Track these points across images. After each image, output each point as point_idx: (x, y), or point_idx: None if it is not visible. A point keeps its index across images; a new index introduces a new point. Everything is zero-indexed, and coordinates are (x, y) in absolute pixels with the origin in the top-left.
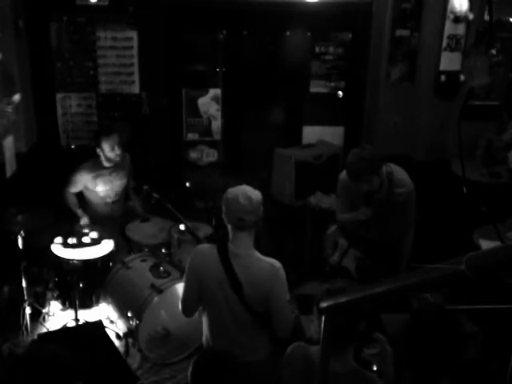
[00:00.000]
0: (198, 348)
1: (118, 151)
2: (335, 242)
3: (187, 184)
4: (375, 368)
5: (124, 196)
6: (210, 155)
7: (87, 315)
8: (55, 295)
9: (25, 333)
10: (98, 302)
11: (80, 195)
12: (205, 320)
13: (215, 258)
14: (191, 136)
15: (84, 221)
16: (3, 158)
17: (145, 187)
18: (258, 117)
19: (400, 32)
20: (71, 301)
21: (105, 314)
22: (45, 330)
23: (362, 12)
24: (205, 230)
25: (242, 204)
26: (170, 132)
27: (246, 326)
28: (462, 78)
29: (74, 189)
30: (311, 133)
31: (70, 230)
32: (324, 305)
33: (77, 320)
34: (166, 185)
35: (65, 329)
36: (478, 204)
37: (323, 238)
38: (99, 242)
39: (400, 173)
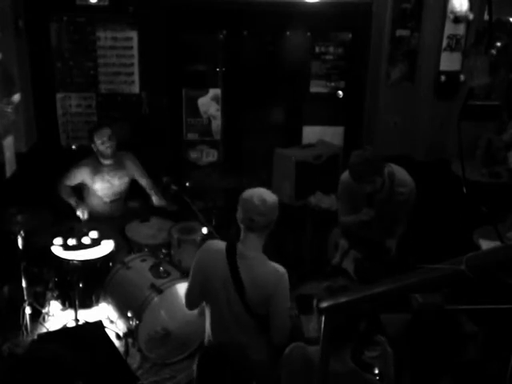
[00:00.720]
0: (198, 348)
1: (108, 143)
2: (336, 242)
3: (187, 184)
4: (377, 371)
5: (125, 196)
6: (209, 155)
7: (87, 315)
8: (55, 295)
9: (25, 333)
10: (97, 302)
11: (78, 193)
12: (207, 317)
13: (222, 256)
14: (191, 136)
15: (81, 211)
16: (3, 158)
17: (165, 178)
18: (257, 117)
19: (400, 32)
20: (71, 301)
21: (105, 314)
22: (45, 330)
23: (361, 12)
24: (205, 230)
25: (256, 205)
26: (169, 132)
27: (247, 327)
28: (462, 77)
29: (70, 182)
30: (311, 133)
31: (70, 230)
32: (324, 305)
33: (77, 320)
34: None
35: (65, 329)
36: (478, 204)
37: (323, 238)
38: (99, 243)
39: (401, 173)
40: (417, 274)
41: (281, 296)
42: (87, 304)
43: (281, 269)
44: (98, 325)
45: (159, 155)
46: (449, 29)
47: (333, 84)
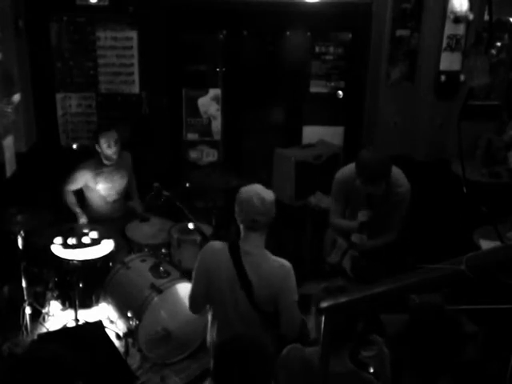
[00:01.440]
0: (198, 348)
1: (114, 148)
2: (333, 240)
3: (187, 184)
4: (372, 370)
5: (124, 195)
6: (209, 155)
7: (87, 315)
8: (55, 295)
9: (25, 333)
10: (97, 302)
11: (80, 194)
12: (210, 317)
13: (226, 256)
14: (191, 136)
15: (82, 220)
16: (3, 158)
17: (155, 184)
18: (258, 117)
19: (400, 32)
20: (71, 301)
21: (105, 314)
22: (45, 330)
23: (361, 12)
24: (205, 230)
25: (256, 206)
26: (170, 132)
27: (252, 325)
28: (462, 77)
29: (74, 186)
30: (311, 133)
31: (70, 229)
32: (324, 305)
33: (77, 320)
34: (166, 185)
35: (65, 329)
36: (478, 204)
37: (323, 237)
38: (99, 242)
39: (397, 173)
40: (417, 274)
41: (289, 290)
42: (87, 304)
43: (286, 263)
44: (98, 325)
45: (159, 155)
46: (449, 29)
47: (333, 84)
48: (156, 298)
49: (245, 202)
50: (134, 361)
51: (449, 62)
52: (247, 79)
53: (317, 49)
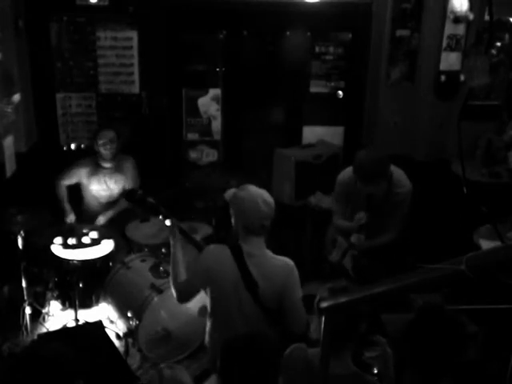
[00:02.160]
0: (198, 348)
1: (109, 148)
2: (333, 238)
3: (187, 184)
4: (376, 371)
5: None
6: (209, 155)
7: (87, 315)
8: (55, 295)
9: (25, 333)
10: (97, 302)
11: (76, 193)
12: (211, 320)
13: (229, 259)
14: (191, 136)
15: (70, 218)
16: (3, 158)
17: (139, 192)
18: (258, 117)
19: (400, 32)
20: (71, 301)
21: (105, 314)
22: (45, 330)
23: (361, 12)
24: (205, 230)
25: (263, 211)
26: (170, 132)
27: (256, 324)
28: (462, 77)
29: (67, 181)
30: (311, 133)
31: (70, 229)
32: (324, 305)
33: (77, 320)
34: (166, 185)
35: (65, 329)
36: (478, 204)
37: (324, 238)
38: (99, 242)
39: (398, 173)
40: (417, 274)
41: (293, 287)
42: (87, 304)
43: (289, 261)
44: (98, 325)
45: (159, 155)
46: (449, 29)
47: (333, 84)
48: (156, 298)
49: (251, 208)
50: (133, 361)
51: (449, 62)
52: (247, 79)
53: (317, 49)
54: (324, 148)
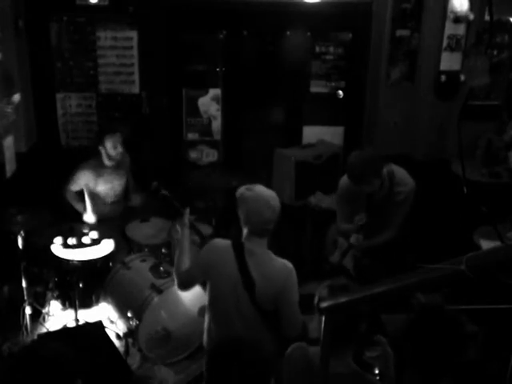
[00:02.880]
0: (198, 348)
1: (119, 149)
2: (334, 239)
3: (190, 184)
4: (377, 371)
5: (124, 196)
6: (209, 155)
7: (87, 315)
8: (55, 295)
9: (25, 333)
10: (97, 302)
11: (80, 194)
12: (209, 317)
13: (230, 254)
14: (191, 136)
15: (88, 216)
16: (3, 158)
17: (154, 183)
18: (258, 117)
19: (400, 32)
20: (71, 301)
21: (105, 314)
22: (45, 330)
23: (361, 12)
24: (205, 230)
25: (267, 217)
26: (170, 132)
27: (253, 325)
28: (462, 77)
29: (76, 187)
30: (311, 133)
31: (70, 229)
32: (324, 305)
33: (77, 320)
34: (166, 185)
35: (65, 329)
36: (478, 204)
37: (324, 238)
38: (99, 242)
39: (401, 172)
40: (417, 274)
41: (290, 290)
42: (87, 304)
43: (289, 264)
44: (98, 325)
45: (159, 155)
46: (449, 29)
47: (333, 84)
48: (156, 298)
49: (254, 211)
50: (133, 361)
51: (449, 62)
52: (247, 79)
53: (317, 49)
54: (324, 148)
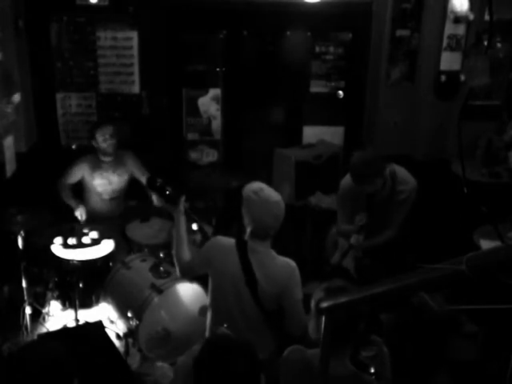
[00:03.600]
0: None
1: (110, 141)
2: (335, 241)
3: (191, 184)
4: (372, 370)
5: (124, 195)
6: (210, 155)
7: (87, 315)
8: (55, 295)
9: (25, 333)
10: (97, 302)
11: (78, 191)
12: (211, 315)
13: (233, 251)
14: (191, 136)
15: (80, 211)
16: (3, 158)
17: (158, 180)
18: (258, 117)
19: (400, 32)
20: (71, 301)
21: (105, 314)
22: (45, 330)
23: (361, 12)
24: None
25: (270, 223)
26: (170, 132)
27: (255, 324)
28: (462, 77)
29: (71, 179)
30: (311, 133)
31: (70, 229)
32: (324, 305)
33: (77, 320)
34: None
35: (65, 329)
36: (478, 204)
37: (324, 238)
38: (99, 242)
39: (402, 172)
40: (417, 274)
41: (293, 289)
42: (87, 304)
43: (292, 262)
44: (98, 325)
45: (159, 155)
46: (449, 29)
47: (333, 84)
48: (156, 298)
49: (257, 216)
50: (133, 361)
51: (449, 62)
52: (247, 79)
53: (317, 49)
54: (324, 148)
